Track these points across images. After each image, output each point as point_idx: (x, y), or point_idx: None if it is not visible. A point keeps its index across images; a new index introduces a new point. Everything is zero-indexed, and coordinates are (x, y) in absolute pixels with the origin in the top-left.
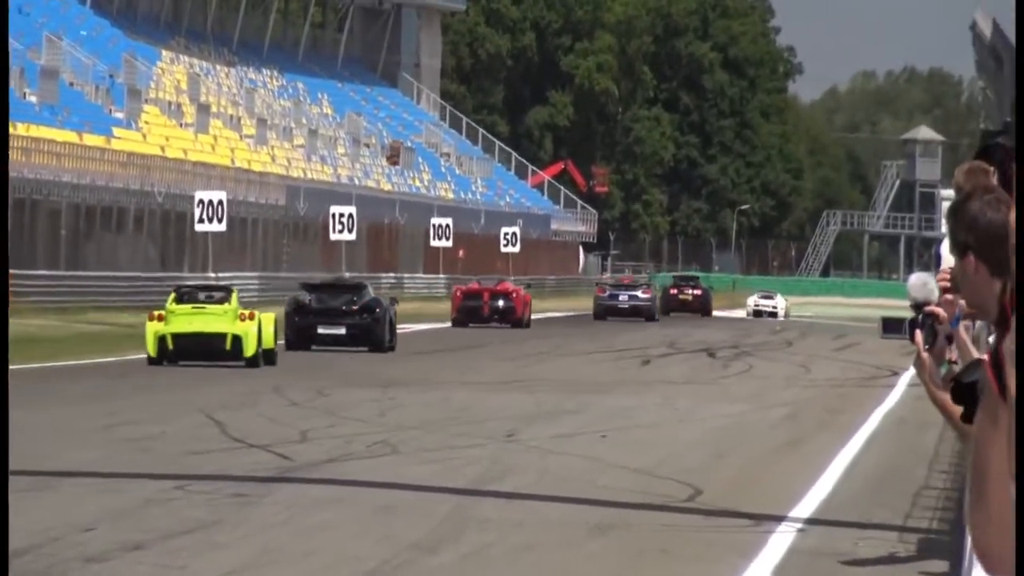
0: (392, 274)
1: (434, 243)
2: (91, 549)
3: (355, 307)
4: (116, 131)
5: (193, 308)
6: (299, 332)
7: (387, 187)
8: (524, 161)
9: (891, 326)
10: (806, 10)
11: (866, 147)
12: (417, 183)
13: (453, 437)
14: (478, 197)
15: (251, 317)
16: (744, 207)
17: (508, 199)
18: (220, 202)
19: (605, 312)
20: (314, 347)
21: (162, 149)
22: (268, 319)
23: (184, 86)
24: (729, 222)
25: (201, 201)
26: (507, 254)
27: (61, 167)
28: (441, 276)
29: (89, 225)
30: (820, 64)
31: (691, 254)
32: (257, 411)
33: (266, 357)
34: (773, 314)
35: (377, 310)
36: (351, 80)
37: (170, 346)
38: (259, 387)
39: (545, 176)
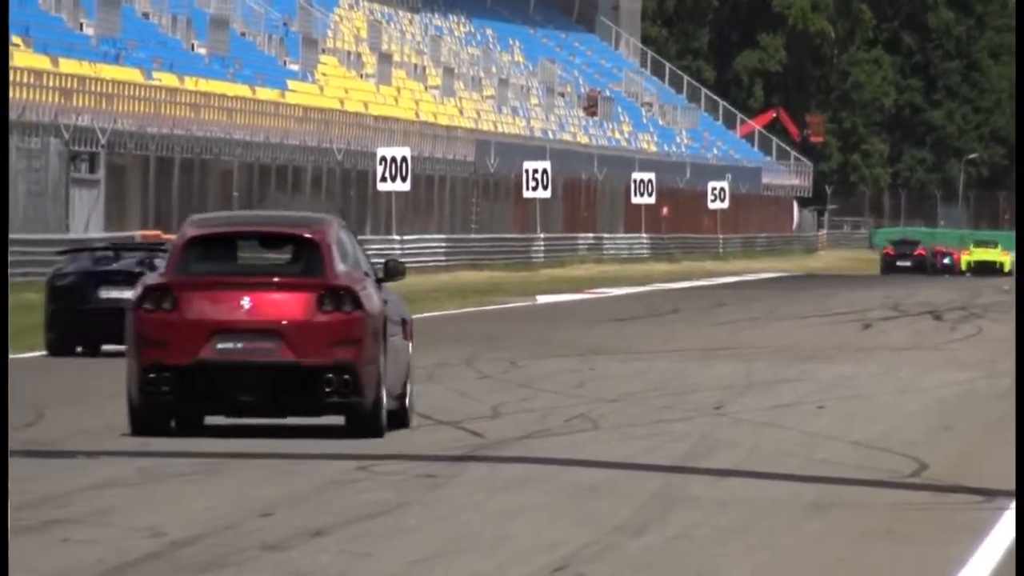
0: (590, 234)
1: (635, 200)
2: (268, 536)
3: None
4: (291, 84)
5: None
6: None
7: (584, 140)
8: (732, 110)
9: None
10: None
11: None
12: (617, 135)
13: (657, 410)
14: (683, 149)
15: None
16: (972, 156)
17: (715, 151)
18: (404, 159)
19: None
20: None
21: (341, 103)
22: None
23: (364, 34)
24: (956, 173)
25: (383, 158)
26: (714, 210)
27: (232, 123)
28: (643, 235)
29: (263, 186)
30: None
31: (914, 208)
32: (446, 385)
33: None
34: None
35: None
36: (544, 25)
37: None
38: (449, 359)
39: (755, 126)
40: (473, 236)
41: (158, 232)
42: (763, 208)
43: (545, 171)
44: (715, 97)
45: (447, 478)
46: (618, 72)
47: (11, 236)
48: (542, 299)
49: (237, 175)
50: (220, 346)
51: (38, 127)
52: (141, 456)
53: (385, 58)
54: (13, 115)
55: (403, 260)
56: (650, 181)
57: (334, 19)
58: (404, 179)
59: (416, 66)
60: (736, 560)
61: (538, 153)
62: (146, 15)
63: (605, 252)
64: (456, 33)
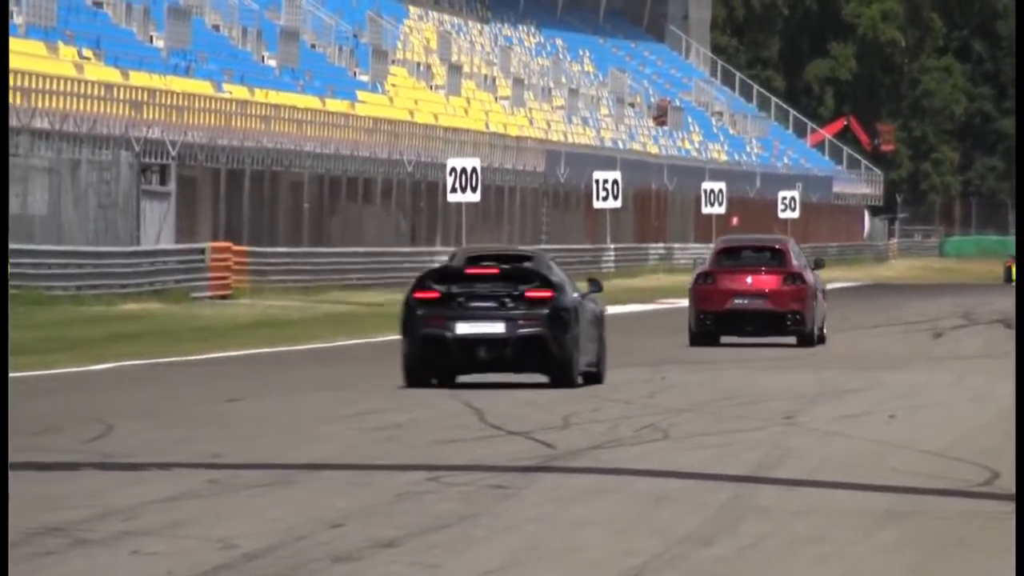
0: (661, 244)
1: (706, 210)
2: (339, 548)
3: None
4: (361, 95)
5: None
6: None
7: (654, 150)
8: (803, 119)
9: None
10: None
11: None
12: (687, 145)
13: (728, 420)
14: (753, 159)
15: None
16: None
17: (786, 160)
18: (474, 170)
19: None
20: None
21: (411, 114)
22: None
23: (433, 45)
24: None
25: (453, 169)
26: (785, 220)
27: (303, 135)
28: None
29: (333, 197)
30: None
31: (985, 216)
32: (516, 396)
33: None
34: None
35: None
36: (614, 35)
37: None
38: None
39: (826, 134)
40: (543, 246)
41: (228, 244)
42: (834, 217)
43: (615, 181)
44: (785, 106)
45: (517, 489)
46: (688, 82)
47: (83, 248)
48: (612, 309)
49: (308, 186)
50: (736, 301)
51: (109, 140)
52: (212, 468)
53: (455, 69)
54: (84, 128)
55: None
56: (720, 191)
57: (404, 30)
58: (474, 190)
59: (486, 77)
60: (807, 570)
61: (608, 163)
62: (216, 27)
63: (676, 262)
64: (526, 43)
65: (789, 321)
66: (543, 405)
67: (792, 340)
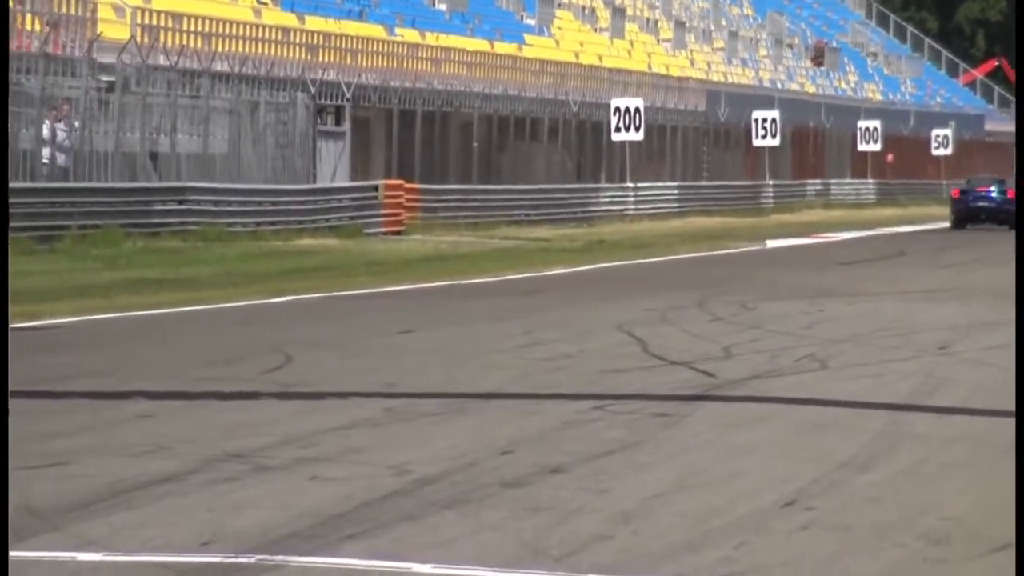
0: (818, 180)
1: (861, 147)
2: (509, 473)
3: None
4: (528, 38)
5: None
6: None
7: (811, 89)
8: (955, 59)
9: None
10: None
11: None
12: (843, 85)
13: (883, 350)
14: (907, 98)
15: None
16: None
17: (938, 99)
18: (637, 109)
19: None
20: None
21: (576, 56)
22: None
23: None
24: None
25: (617, 109)
26: (938, 156)
27: (472, 77)
28: (869, 181)
29: (501, 136)
30: None
31: None
32: (679, 327)
33: None
34: None
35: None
36: None
37: None
38: (682, 301)
39: (977, 74)
40: (704, 183)
41: (401, 181)
42: (986, 154)
43: (774, 120)
44: (938, 47)
45: (680, 417)
46: (844, 23)
47: (262, 187)
48: (771, 243)
49: (477, 126)
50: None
51: (286, 82)
52: (387, 397)
53: (619, 12)
54: (262, 71)
55: (637, 207)
56: (876, 129)
57: None
58: (637, 129)
59: (648, 20)
60: (961, 494)
61: (767, 103)
62: None
63: (832, 198)
64: None
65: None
66: (705, 336)
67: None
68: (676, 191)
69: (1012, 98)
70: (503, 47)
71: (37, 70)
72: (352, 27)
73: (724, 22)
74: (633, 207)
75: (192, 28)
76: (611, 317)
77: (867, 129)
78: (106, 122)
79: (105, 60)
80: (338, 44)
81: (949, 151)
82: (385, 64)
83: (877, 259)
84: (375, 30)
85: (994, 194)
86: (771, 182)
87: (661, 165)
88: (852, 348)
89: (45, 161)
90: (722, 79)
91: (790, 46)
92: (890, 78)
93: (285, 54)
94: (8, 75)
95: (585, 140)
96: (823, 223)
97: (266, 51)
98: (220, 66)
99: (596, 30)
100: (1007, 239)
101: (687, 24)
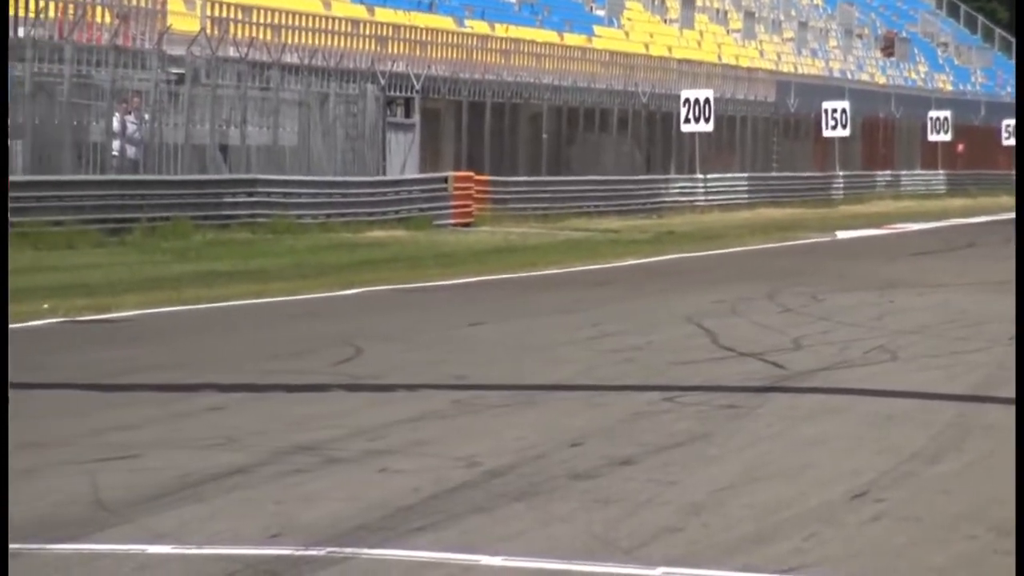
0: (888, 171)
1: (932, 137)
2: (578, 465)
3: None
4: (597, 29)
5: None
6: None
7: (881, 80)
8: None
9: None
10: None
11: None
12: (913, 75)
13: (953, 341)
14: (977, 88)
15: None
16: None
17: (1009, 89)
18: (707, 100)
19: None
20: None
21: (645, 47)
22: None
23: None
24: None
25: (687, 100)
26: (1008, 147)
27: (541, 68)
28: (940, 172)
29: (571, 128)
30: None
31: None
32: (749, 318)
33: None
34: None
35: None
36: None
37: None
38: (752, 293)
39: None
40: (774, 174)
41: (470, 173)
42: None
43: (844, 110)
44: (1009, 37)
45: (749, 409)
46: (914, 14)
47: (331, 179)
48: (841, 235)
49: (546, 118)
50: None
51: (355, 74)
52: (456, 389)
53: (688, 3)
54: (331, 63)
55: (707, 198)
56: (946, 119)
57: None
58: (707, 120)
59: (718, 11)
60: None
61: (837, 93)
62: None
63: (903, 188)
64: None
65: None
66: (775, 328)
67: None
68: (746, 182)
69: None
70: (572, 38)
71: (107, 63)
72: (421, 19)
73: (794, 12)
74: (703, 198)
75: (262, 20)
76: (680, 309)
77: (938, 119)
78: (176, 114)
79: (175, 52)
80: (408, 36)
81: None
82: (454, 56)
83: (947, 250)
84: (444, 22)
85: None
86: (841, 173)
87: (731, 156)
88: (922, 339)
89: (115, 154)
90: (792, 70)
91: (860, 36)
92: (960, 68)
93: (355, 46)
94: (8, 74)
95: (655, 131)
96: (893, 214)
97: (336, 43)
98: (290, 58)
99: (666, 21)
100: None
101: (757, 15)
